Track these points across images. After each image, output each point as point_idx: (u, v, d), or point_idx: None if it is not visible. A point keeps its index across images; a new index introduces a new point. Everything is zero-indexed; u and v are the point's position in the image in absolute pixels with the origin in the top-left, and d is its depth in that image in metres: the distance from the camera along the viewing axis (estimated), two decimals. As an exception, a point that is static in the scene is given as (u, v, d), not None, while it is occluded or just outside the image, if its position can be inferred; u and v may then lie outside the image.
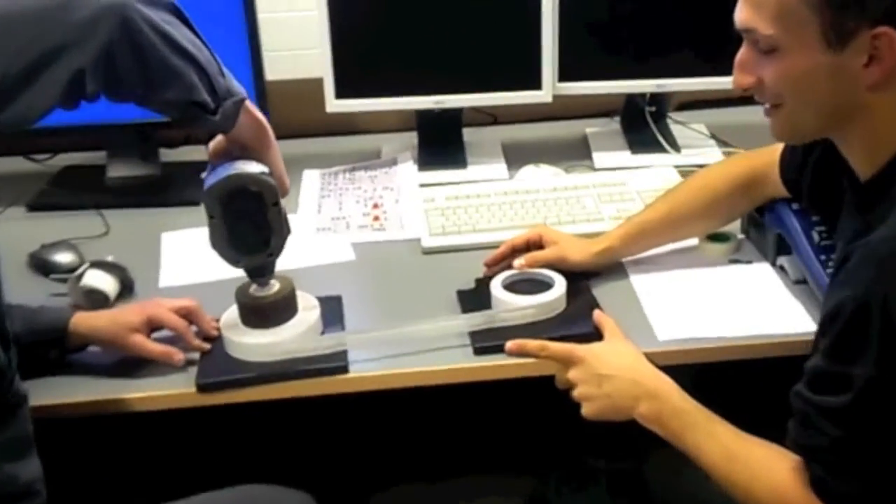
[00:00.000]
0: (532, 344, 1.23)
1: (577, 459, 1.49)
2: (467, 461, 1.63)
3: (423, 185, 1.69)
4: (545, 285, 1.33)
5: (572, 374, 1.19)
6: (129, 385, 1.22)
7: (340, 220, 1.62)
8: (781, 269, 1.40)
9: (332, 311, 1.32)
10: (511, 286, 1.33)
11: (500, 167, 1.78)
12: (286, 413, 1.30)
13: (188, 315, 1.27)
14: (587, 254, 1.39)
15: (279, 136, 1.18)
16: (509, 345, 1.23)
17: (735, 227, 1.49)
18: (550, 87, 1.72)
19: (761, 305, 1.33)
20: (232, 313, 1.29)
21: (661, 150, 1.82)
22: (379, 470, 1.68)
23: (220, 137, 1.13)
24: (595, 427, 1.23)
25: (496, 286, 1.33)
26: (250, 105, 1.10)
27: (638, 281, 1.40)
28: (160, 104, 1.02)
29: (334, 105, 1.73)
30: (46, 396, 1.17)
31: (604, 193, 1.61)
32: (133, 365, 1.24)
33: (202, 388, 1.20)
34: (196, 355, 1.26)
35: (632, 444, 1.37)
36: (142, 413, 1.22)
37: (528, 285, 1.34)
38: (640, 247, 1.42)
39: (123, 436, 1.53)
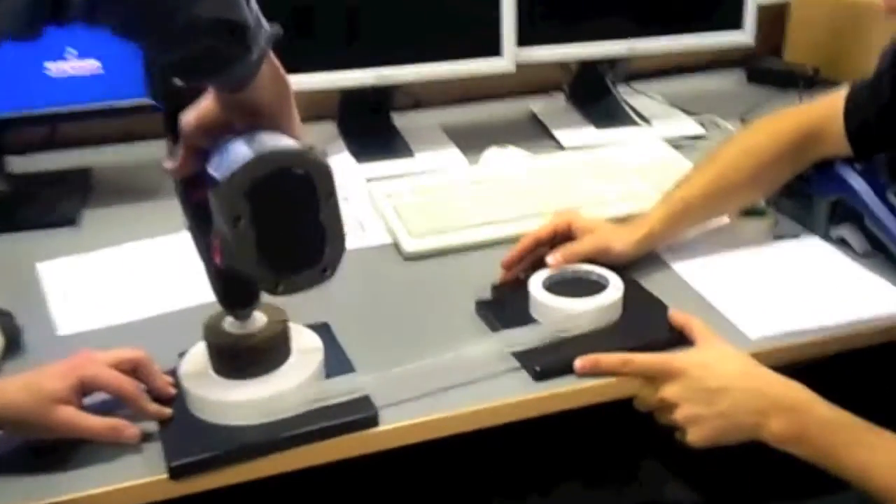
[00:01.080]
0: (610, 359, 0.95)
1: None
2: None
3: (370, 180, 1.36)
4: (596, 285, 1.04)
5: (670, 392, 0.91)
6: (62, 482, 0.82)
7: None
8: (841, 241, 1.18)
9: (326, 346, 0.96)
10: (552, 289, 1.03)
11: (454, 153, 1.48)
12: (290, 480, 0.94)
13: (134, 370, 0.89)
14: (630, 242, 1.11)
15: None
16: (580, 362, 0.95)
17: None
18: (512, 54, 1.44)
19: (843, 286, 1.10)
20: (195, 361, 0.92)
21: (629, 122, 1.58)
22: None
23: (207, 103, 0.76)
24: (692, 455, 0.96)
25: (537, 289, 1.03)
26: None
27: (685, 270, 1.14)
28: (179, 30, 0.64)
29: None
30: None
31: (600, 172, 1.35)
32: (65, 451, 0.85)
33: (177, 471, 0.83)
34: (152, 426, 0.88)
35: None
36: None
37: (571, 287, 1.04)
38: (684, 227, 1.17)
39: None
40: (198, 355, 0.92)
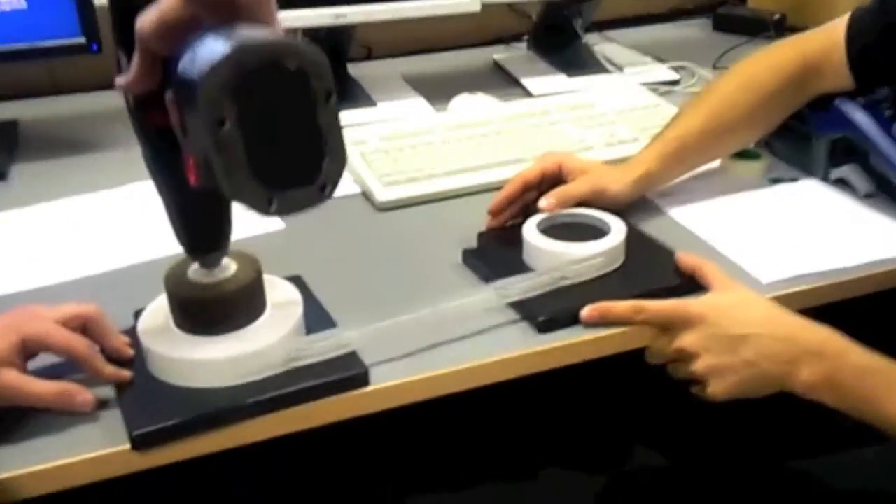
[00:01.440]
0: (620, 307, 0.86)
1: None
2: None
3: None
4: (595, 230, 0.95)
5: (689, 341, 0.83)
6: (6, 457, 0.70)
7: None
8: (841, 183, 1.11)
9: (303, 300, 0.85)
10: (548, 234, 0.94)
11: (419, 102, 1.38)
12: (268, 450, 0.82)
13: (84, 328, 0.77)
14: (626, 182, 1.02)
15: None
16: (587, 311, 0.86)
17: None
18: (478, -8, 1.33)
19: (851, 228, 1.03)
20: (155, 317, 0.80)
21: (601, 69, 1.49)
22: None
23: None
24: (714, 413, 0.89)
25: (532, 234, 0.93)
26: None
27: (682, 216, 1.06)
28: None
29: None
30: None
31: (579, 118, 1.25)
32: (9, 422, 0.72)
33: (140, 440, 0.71)
34: (109, 391, 0.76)
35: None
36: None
37: (568, 232, 0.95)
38: (682, 168, 1.08)
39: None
40: (158, 310, 0.80)
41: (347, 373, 0.78)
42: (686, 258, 0.92)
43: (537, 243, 0.92)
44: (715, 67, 1.51)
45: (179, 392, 0.75)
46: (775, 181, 1.14)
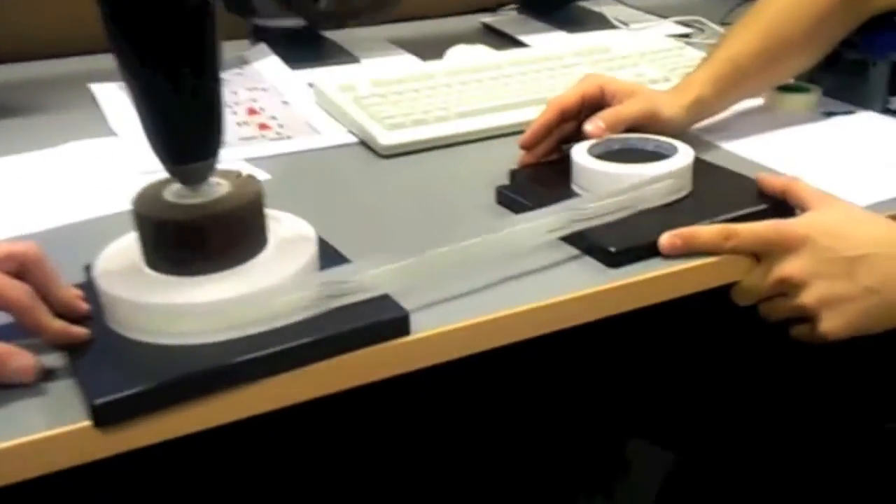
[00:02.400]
0: (708, 231, 0.69)
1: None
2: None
3: (312, 85, 1.06)
4: (654, 155, 0.78)
5: (794, 268, 0.67)
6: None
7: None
8: (904, 112, 0.97)
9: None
10: (603, 159, 0.77)
11: (408, 58, 1.20)
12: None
13: (21, 273, 0.57)
14: (680, 106, 0.86)
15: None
16: (669, 238, 0.69)
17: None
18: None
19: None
20: (118, 257, 0.61)
21: (605, 25, 1.34)
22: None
23: None
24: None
25: (584, 157, 0.76)
26: None
27: (738, 147, 0.90)
28: None
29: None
30: None
31: (597, 61, 1.10)
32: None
33: (104, 412, 0.52)
34: (57, 359, 0.56)
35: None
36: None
37: (624, 157, 0.78)
38: (736, 94, 0.92)
39: None
40: (122, 251, 0.61)
41: (382, 317, 0.59)
42: (770, 178, 0.75)
43: (593, 166, 0.75)
44: (723, 24, 1.37)
45: (156, 351, 0.56)
46: (829, 114, 0.99)
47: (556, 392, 1.02)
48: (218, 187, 0.59)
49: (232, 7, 1.16)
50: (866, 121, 0.97)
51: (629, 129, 0.82)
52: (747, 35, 0.91)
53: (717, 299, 0.72)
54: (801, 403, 0.89)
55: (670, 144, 0.79)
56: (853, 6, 0.94)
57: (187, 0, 0.52)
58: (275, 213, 0.64)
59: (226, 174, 0.60)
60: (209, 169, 0.58)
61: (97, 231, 0.65)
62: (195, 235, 0.57)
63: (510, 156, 0.86)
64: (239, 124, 0.98)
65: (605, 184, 0.73)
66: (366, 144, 0.93)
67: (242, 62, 1.15)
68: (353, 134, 0.95)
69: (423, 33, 1.37)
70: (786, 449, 0.88)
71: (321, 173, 0.88)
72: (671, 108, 0.85)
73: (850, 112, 0.99)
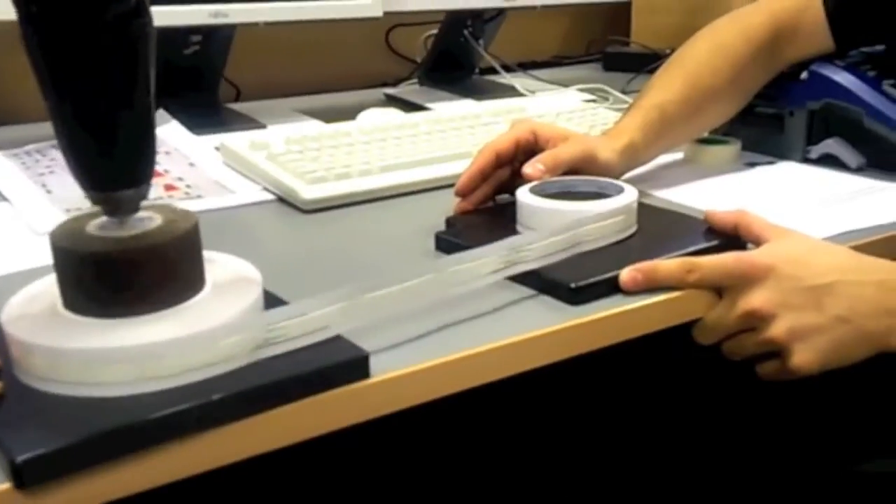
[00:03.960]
0: (668, 265, 0.66)
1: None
2: None
3: (219, 148, 1.00)
4: (595, 196, 0.75)
5: (760, 300, 0.65)
6: None
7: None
8: (825, 160, 0.98)
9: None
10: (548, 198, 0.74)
11: (316, 123, 1.16)
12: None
13: None
14: (614, 150, 0.84)
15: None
16: (629, 274, 0.66)
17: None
18: (379, -4, 1.15)
19: (867, 193, 0.89)
20: (30, 301, 0.53)
21: (512, 93, 1.33)
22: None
23: None
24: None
25: (528, 196, 0.73)
26: None
27: (676, 196, 0.89)
28: None
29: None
30: None
31: (518, 120, 1.07)
32: None
33: (28, 471, 0.43)
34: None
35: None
36: None
37: (569, 197, 0.75)
38: (663, 142, 0.91)
39: None
40: (34, 295, 0.53)
41: (340, 358, 0.53)
42: (719, 214, 0.73)
43: (540, 204, 0.71)
44: (625, 92, 1.39)
45: (82, 403, 0.48)
46: (752, 165, 0.99)
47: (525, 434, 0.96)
48: (149, 221, 0.52)
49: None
50: (790, 170, 0.97)
51: (566, 173, 0.80)
52: (672, 84, 0.91)
53: (679, 338, 0.69)
54: (772, 446, 0.86)
55: (614, 184, 0.76)
56: (769, 56, 0.96)
57: (111, 7, 0.46)
58: (211, 253, 0.57)
59: (158, 208, 0.54)
60: (140, 198, 0.51)
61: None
62: (123, 270, 0.50)
63: (442, 207, 0.81)
64: (143, 186, 0.90)
65: (552, 221, 0.69)
66: (284, 201, 0.87)
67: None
68: (269, 191, 0.89)
69: (328, 104, 1.33)
70: (759, 492, 0.84)
71: (241, 230, 0.81)
72: (606, 152, 0.82)
73: (772, 162, 1.00)
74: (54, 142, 1.01)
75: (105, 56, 0.46)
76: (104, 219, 0.52)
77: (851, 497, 0.79)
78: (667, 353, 0.78)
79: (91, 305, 0.50)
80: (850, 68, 0.96)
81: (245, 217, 0.84)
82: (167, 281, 0.51)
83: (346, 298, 0.55)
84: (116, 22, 0.46)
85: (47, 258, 0.65)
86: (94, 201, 0.50)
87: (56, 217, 0.80)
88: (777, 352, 0.66)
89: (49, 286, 0.53)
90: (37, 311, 0.51)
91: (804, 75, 0.98)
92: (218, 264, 0.57)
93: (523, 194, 0.73)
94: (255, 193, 0.89)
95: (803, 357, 0.65)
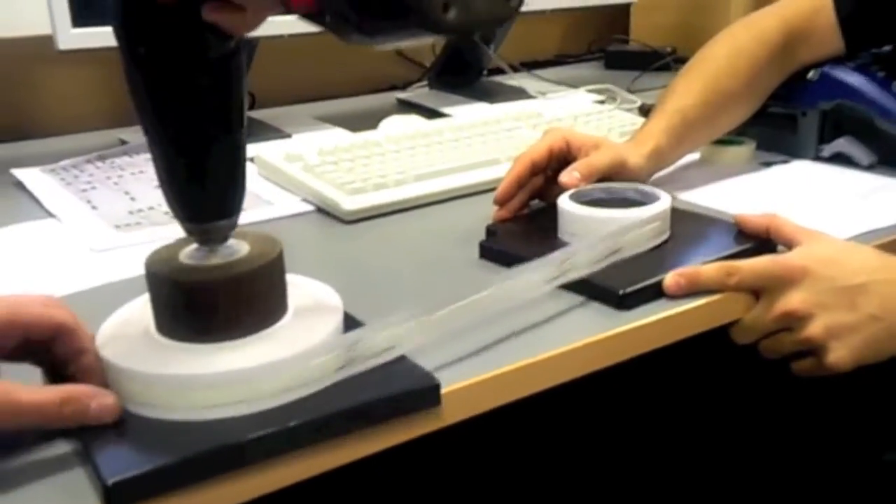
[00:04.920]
0: (709, 270, 0.70)
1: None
2: None
3: (252, 160, 1.03)
4: (631, 202, 0.79)
5: (798, 301, 0.68)
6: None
7: (144, 211, 0.90)
8: (838, 158, 1.01)
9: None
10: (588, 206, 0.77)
11: (339, 131, 1.18)
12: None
13: (57, 340, 0.51)
14: (642, 155, 0.88)
15: None
16: (674, 279, 0.69)
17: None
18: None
19: (888, 194, 0.92)
20: (122, 327, 0.56)
21: (523, 95, 1.36)
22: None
23: None
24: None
25: (572, 206, 0.76)
26: None
27: (695, 196, 0.92)
28: None
29: (71, 37, 1.01)
30: None
31: (535, 125, 1.11)
32: None
33: (116, 494, 0.46)
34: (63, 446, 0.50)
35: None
36: None
37: (606, 205, 0.78)
38: (686, 144, 0.94)
39: None
40: (126, 318, 0.56)
41: (415, 386, 0.55)
42: (750, 217, 0.77)
43: (583, 213, 0.75)
44: (631, 91, 1.42)
45: (174, 427, 0.51)
46: (767, 164, 1.03)
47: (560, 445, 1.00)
48: (237, 247, 0.55)
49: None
50: (804, 168, 1.01)
51: (598, 180, 0.83)
52: (692, 88, 0.94)
53: (711, 339, 0.72)
54: (799, 436, 0.90)
55: (647, 191, 0.79)
56: (782, 59, 0.99)
57: (213, 50, 0.49)
58: (293, 277, 0.60)
59: (245, 234, 0.57)
60: (231, 227, 0.54)
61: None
62: (215, 298, 0.53)
63: (477, 213, 0.85)
64: (183, 200, 0.93)
65: (596, 229, 0.73)
66: (324, 211, 0.90)
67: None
68: (309, 202, 0.92)
69: (344, 110, 1.36)
70: (786, 481, 0.88)
71: (286, 242, 0.84)
72: (635, 157, 0.86)
73: (787, 161, 1.03)
74: (88, 156, 1.05)
75: (206, 94, 0.49)
76: (195, 246, 0.54)
77: (876, 486, 0.83)
78: (694, 356, 0.81)
79: (183, 331, 0.53)
80: (861, 69, 0.99)
81: (288, 229, 0.87)
82: (255, 307, 0.54)
83: (415, 317, 0.58)
84: (217, 62, 0.49)
85: (107, 276, 0.69)
86: (189, 232, 0.53)
87: (107, 233, 0.83)
88: (812, 350, 0.70)
89: (140, 309, 0.56)
90: (130, 335, 0.54)
91: (811, 74, 1.01)
92: (298, 287, 0.60)
93: (565, 202, 0.76)
94: (294, 205, 0.92)
95: (839, 354, 0.68)
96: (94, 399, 0.48)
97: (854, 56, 1.01)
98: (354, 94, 1.48)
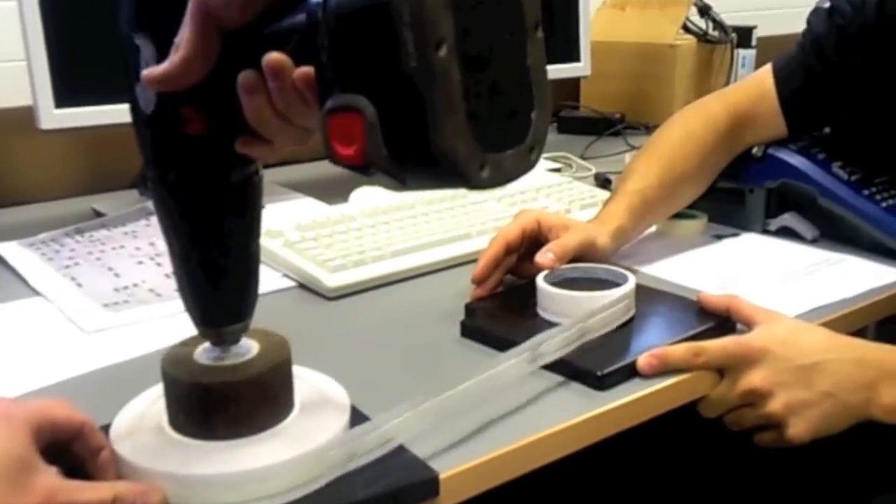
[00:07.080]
0: (678, 350, 0.76)
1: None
2: None
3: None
4: (600, 282, 0.85)
5: (758, 379, 0.75)
6: None
7: (130, 288, 0.92)
8: (783, 231, 1.09)
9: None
10: (564, 287, 0.82)
11: (311, 202, 1.22)
12: None
13: (78, 440, 0.54)
14: (608, 234, 0.93)
15: None
16: (646, 360, 0.75)
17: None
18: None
19: (828, 266, 0.99)
20: (137, 422, 0.59)
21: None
22: None
23: None
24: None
25: (548, 286, 0.81)
26: None
27: (659, 271, 0.98)
28: None
29: (53, 117, 1.03)
30: None
31: (499, 197, 1.16)
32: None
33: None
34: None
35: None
36: None
37: (578, 285, 0.84)
38: (646, 222, 1.01)
39: None
40: (140, 413, 0.59)
41: (414, 478, 0.59)
42: (711, 298, 0.83)
43: (562, 294, 0.80)
44: (584, 157, 1.49)
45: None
46: (718, 237, 1.10)
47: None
48: (249, 349, 0.59)
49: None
50: (752, 242, 1.08)
51: (575, 257, 0.89)
52: (649, 168, 1.01)
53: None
54: (787, 482, 0.96)
55: (617, 271, 0.85)
56: (729, 142, 1.07)
57: (236, 173, 0.53)
58: (298, 369, 0.63)
59: (254, 333, 0.60)
60: (244, 329, 0.58)
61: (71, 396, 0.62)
62: (228, 399, 0.56)
63: (454, 289, 0.91)
64: (167, 275, 0.96)
65: (573, 308, 0.78)
66: (305, 287, 0.94)
67: (148, 213, 1.13)
68: (290, 278, 0.95)
69: (310, 176, 1.40)
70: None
71: (269, 318, 0.87)
72: (602, 238, 0.92)
73: (736, 234, 1.10)
74: (66, 229, 1.06)
75: (228, 212, 0.53)
76: (207, 345, 0.58)
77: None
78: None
79: (196, 428, 0.56)
80: (803, 151, 1.07)
81: (272, 305, 0.89)
82: (266, 406, 0.58)
83: (413, 408, 0.62)
84: (239, 183, 0.53)
85: (102, 359, 0.72)
86: (205, 335, 0.57)
87: (97, 313, 0.85)
88: (773, 424, 0.75)
89: (152, 404, 0.59)
90: (145, 431, 0.57)
91: (756, 150, 1.09)
92: (304, 381, 0.63)
93: (543, 283, 0.82)
94: (276, 281, 0.95)
95: (798, 429, 0.74)
96: (153, 496, 0.52)
97: (796, 138, 1.08)
98: (316, 160, 1.51)
